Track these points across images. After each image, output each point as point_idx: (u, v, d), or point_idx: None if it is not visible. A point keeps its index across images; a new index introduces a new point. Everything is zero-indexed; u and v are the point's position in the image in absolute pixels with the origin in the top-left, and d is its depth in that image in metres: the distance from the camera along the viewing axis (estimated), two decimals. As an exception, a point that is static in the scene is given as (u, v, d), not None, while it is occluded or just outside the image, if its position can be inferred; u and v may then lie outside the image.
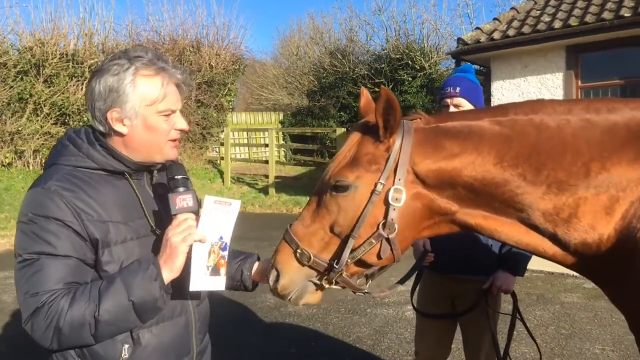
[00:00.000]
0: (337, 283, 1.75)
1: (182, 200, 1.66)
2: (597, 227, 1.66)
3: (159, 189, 1.82)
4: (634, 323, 1.70)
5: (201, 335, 1.90)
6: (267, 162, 14.83)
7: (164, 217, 1.76)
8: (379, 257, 1.70)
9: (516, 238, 1.75)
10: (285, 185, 15.03)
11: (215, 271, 1.69)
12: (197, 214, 1.68)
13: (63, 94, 13.89)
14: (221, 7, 26.55)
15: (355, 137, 1.78)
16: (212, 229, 1.68)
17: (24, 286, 1.54)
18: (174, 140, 1.77)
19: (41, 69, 13.61)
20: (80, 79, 14.29)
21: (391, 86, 18.50)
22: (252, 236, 9.99)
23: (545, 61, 9.63)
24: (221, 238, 1.71)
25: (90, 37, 15.55)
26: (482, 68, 11.60)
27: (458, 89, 2.74)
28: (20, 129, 13.24)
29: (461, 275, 2.94)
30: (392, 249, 1.69)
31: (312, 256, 1.71)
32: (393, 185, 1.67)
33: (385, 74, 19.04)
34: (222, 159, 16.47)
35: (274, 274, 1.77)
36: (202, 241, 1.65)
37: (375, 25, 22.16)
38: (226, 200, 1.71)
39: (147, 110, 1.68)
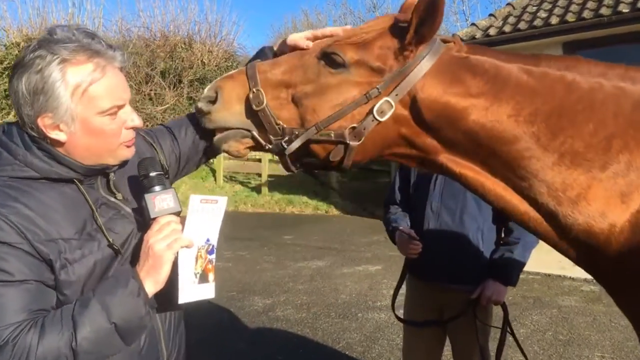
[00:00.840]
0: (270, 151, 1.55)
1: (161, 200, 1.45)
2: (608, 214, 1.44)
3: (118, 194, 1.55)
4: None
5: (173, 341, 1.67)
6: (260, 160, 14.61)
7: (125, 227, 1.52)
8: (327, 157, 1.53)
9: (506, 203, 1.54)
10: (278, 183, 14.81)
11: (203, 278, 1.52)
12: (178, 214, 1.47)
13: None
14: (213, 3, 26.28)
15: (383, 22, 1.53)
16: (198, 231, 1.49)
17: None
18: (129, 140, 1.51)
19: (28, 65, 13.37)
20: (68, 75, 14.05)
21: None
22: (243, 235, 9.78)
23: (542, 58, 9.44)
24: (208, 240, 1.53)
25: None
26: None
27: None
28: (6, 126, 12.99)
29: (448, 283, 2.75)
30: (343, 157, 1.51)
31: (265, 102, 1.50)
32: (387, 96, 1.47)
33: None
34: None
35: (210, 94, 1.55)
36: (189, 246, 1.46)
37: (370, 22, 21.96)
38: (212, 198, 1.52)
39: (86, 111, 1.39)
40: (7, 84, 12.77)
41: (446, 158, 1.55)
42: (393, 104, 1.47)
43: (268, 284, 7.03)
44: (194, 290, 1.50)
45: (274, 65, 1.57)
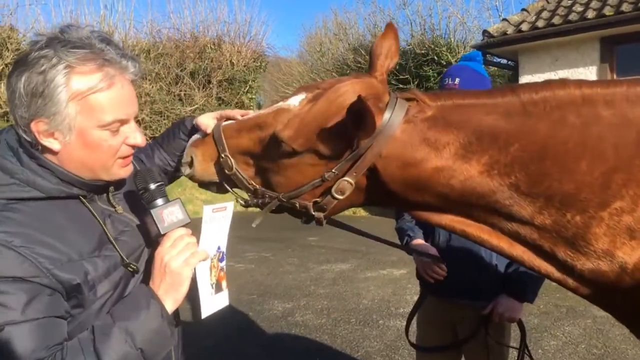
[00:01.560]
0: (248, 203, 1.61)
1: (169, 214, 1.36)
2: (616, 254, 1.30)
3: (118, 207, 1.47)
4: None
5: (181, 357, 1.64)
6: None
7: (132, 243, 1.44)
8: (300, 217, 1.55)
9: (494, 248, 1.43)
10: (305, 184, 14.73)
11: (218, 287, 1.49)
12: (188, 225, 1.39)
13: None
14: (242, 2, 26.31)
15: (333, 104, 1.37)
16: (211, 241, 1.45)
17: None
18: (125, 157, 1.39)
19: (61, 67, 13.66)
20: (100, 76, 14.29)
21: (416, 82, 17.98)
22: (268, 236, 9.73)
23: (577, 54, 9.04)
24: (219, 248, 1.49)
25: (111, 35, 15.51)
26: (509, 62, 11.02)
27: (457, 80, 2.30)
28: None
29: (460, 299, 2.54)
30: (315, 221, 1.52)
31: (234, 167, 1.52)
32: (344, 176, 1.38)
33: (409, 70, 18.51)
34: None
35: (187, 157, 1.60)
36: (205, 259, 1.40)
37: (400, 20, 21.49)
38: (221, 206, 1.47)
39: (85, 122, 1.27)
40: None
41: (420, 213, 1.47)
42: (352, 182, 1.38)
43: (289, 287, 6.91)
44: (213, 302, 1.47)
45: (239, 132, 1.54)
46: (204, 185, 1.63)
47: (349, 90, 1.39)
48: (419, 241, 2.56)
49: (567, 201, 1.29)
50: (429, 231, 2.62)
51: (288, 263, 8.14)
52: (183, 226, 1.38)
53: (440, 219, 1.44)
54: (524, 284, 2.42)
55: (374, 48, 1.55)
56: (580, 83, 1.33)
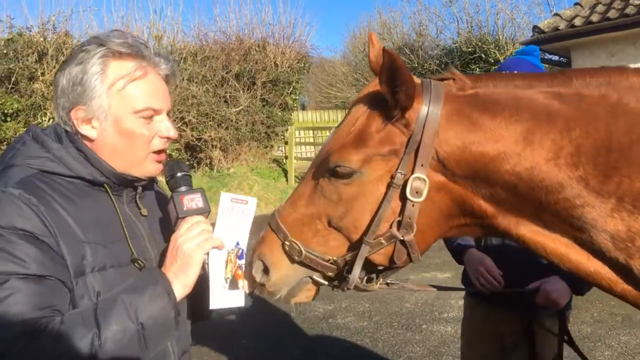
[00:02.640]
0: (336, 287, 1.46)
1: (190, 200, 1.39)
2: None
3: (143, 209, 1.49)
4: None
5: (179, 347, 1.50)
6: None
7: (149, 248, 1.45)
8: (392, 260, 1.36)
9: (572, 263, 1.29)
10: (348, 184, 14.65)
11: (233, 284, 1.43)
12: (207, 216, 1.42)
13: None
14: (287, 4, 26.52)
15: (362, 108, 1.35)
16: (229, 233, 1.42)
17: None
18: (158, 152, 1.42)
19: (113, 70, 14.12)
20: (149, 79, 14.69)
21: (462, 81, 17.65)
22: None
23: (635, 49, 8.59)
24: (237, 244, 1.44)
25: (160, 39, 15.87)
26: (560, 58, 10.60)
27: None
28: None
29: (511, 308, 2.40)
30: (408, 253, 1.34)
31: (303, 251, 1.38)
32: (412, 173, 1.26)
33: (456, 68, 18.19)
34: (287, 157, 16.37)
35: (259, 265, 1.46)
36: (220, 248, 1.38)
37: (446, 18, 21.23)
38: (242, 198, 1.45)
39: (120, 109, 1.34)
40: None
41: (502, 220, 1.32)
42: (424, 176, 1.26)
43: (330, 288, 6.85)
44: (224, 296, 1.42)
45: (293, 205, 1.44)
46: (286, 299, 1.48)
47: (367, 88, 1.38)
48: (484, 260, 2.39)
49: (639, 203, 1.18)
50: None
51: (330, 264, 8.10)
52: (202, 215, 1.40)
53: (519, 229, 1.31)
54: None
55: (372, 62, 1.50)
56: (638, 69, 1.23)
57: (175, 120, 14.31)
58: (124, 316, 1.20)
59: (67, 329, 1.16)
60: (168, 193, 1.52)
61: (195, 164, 14.97)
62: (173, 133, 1.43)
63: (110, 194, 1.40)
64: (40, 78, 12.40)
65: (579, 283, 2.29)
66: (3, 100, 11.54)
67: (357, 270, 1.35)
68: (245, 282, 1.45)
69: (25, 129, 1.47)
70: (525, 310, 2.38)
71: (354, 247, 1.35)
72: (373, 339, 5.16)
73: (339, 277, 1.41)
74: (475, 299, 2.60)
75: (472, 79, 1.32)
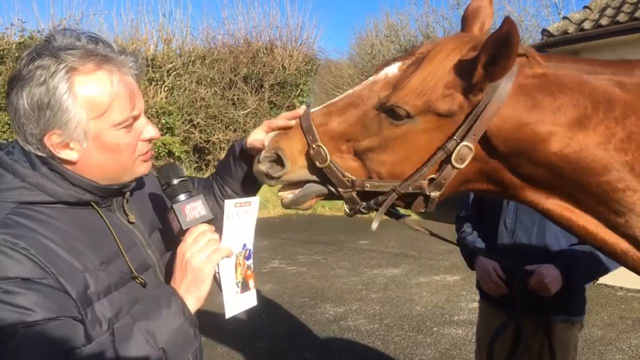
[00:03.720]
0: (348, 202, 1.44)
1: (191, 210, 1.33)
2: None
3: (131, 216, 1.40)
4: None
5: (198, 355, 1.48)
6: (337, 163, 14.53)
7: (149, 254, 1.40)
8: (409, 206, 1.42)
9: (600, 242, 1.32)
10: (356, 187, 14.66)
11: (244, 286, 1.43)
12: (211, 222, 1.36)
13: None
14: (294, 7, 26.53)
15: (446, 60, 1.30)
16: (235, 238, 1.39)
17: None
18: (145, 153, 1.36)
19: (122, 73, 14.19)
20: (158, 82, 14.75)
21: (469, 83, 17.62)
22: (320, 239, 9.76)
23: (646, 52, 8.55)
24: (244, 245, 1.43)
25: (169, 42, 15.98)
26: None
27: None
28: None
29: (523, 312, 2.43)
30: (426, 206, 1.39)
31: (328, 158, 1.37)
32: (462, 140, 1.28)
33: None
34: (294, 159, 16.44)
35: (270, 157, 1.42)
36: (229, 256, 1.35)
37: (453, 20, 21.13)
38: (245, 200, 1.41)
39: (98, 125, 1.23)
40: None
41: (529, 193, 1.35)
42: (472, 147, 1.28)
43: (341, 291, 6.90)
44: (238, 302, 1.40)
45: (330, 116, 1.41)
46: (294, 187, 1.45)
47: (461, 38, 1.35)
48: (490, 265, 2.44)
49: None
50: (490, 237, 2.55)
51: (339, 266, 8.13)
52: (206, 222, 1.35)
53: (547, 203, 1.34)
54: (577, 265, 2.30)
55: (468, 10, 1.46)
56: None
57: (183, 123, 14.39)
58: (144, 346, 1.17)
59: None
60: (150, 177, 1.48)
61: (203, 166, 15.04)
62: (155, 133, 1.36)
63: (99, 209, 1.32)
64: (51, 81, 12.58)
65: (572, 270, 2.32)
66: (15, 103, 11.67)
67: (382, 212, 1.41)
68: (254, 282, 1.44)
69: None
70: (540, 315, 2.40)
71: (372, 177, 1.39)
72: (384, 342, 5.20)
73: (354, 208, 1.44)
74: (488, 304, 2.64)
75: (544, 58, 1.32)
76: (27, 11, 30.64)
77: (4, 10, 17.79)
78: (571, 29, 9.01)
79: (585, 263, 2.31)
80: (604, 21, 8.61)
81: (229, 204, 1.35)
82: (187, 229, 1.32)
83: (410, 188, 1.35)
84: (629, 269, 1.38)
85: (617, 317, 5.69)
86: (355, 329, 5.55)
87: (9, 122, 11.37)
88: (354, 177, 1.39)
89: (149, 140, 1.36)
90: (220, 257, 1.31)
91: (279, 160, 1.41)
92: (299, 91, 17.25)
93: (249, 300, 1.44)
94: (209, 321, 5.55)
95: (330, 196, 1.45)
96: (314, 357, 4.90)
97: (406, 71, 1.35)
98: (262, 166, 1.43)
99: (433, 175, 1.33)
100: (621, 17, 8.39)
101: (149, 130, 1.34)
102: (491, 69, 1.23)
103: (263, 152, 1.43)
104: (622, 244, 1.30)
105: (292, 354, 4.95)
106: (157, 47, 15.83)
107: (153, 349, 1.18)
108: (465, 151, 1.28)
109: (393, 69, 1.39)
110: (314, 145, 1.37)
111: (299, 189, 1.45)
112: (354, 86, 1.47)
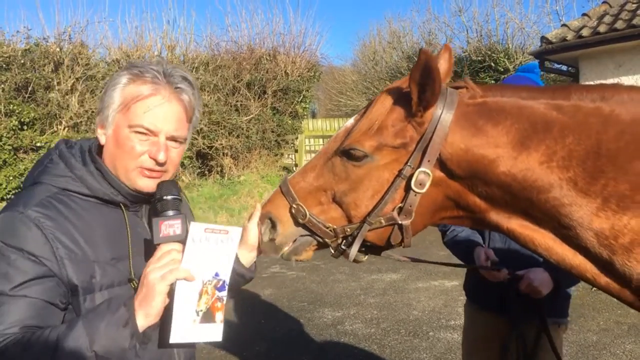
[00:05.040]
0: (333, 250, 1.58)
1: (167, 227, 1.37)
2: None
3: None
4: None
5: (185, 353, 1.57)
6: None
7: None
8: (387, 241, 1.51)
9: (558, 256, 1.40)
10: (358, 192, 14.72)
11: (207, 317, 1.37)
12: (184, 243, 1.37)
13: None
14: (297, 14, 26.68)
15: (387, 102, 1.48)
16: (204, 264, 1.37)
17: None
18: (148, 169, 1.46)
19: (126, 80, 14.34)
20: (162, 88, 14.89)
21: (471, 90, 17.64)
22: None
23: (643, 59, 8.63)
24: (216, 275, 1.39)
25: (173, 49, 16.13)
26: (569, 68, 10.65)
27: None
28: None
29: (516, 314, 2.49)
30: (403, 236, 1.48)
31: (307, 214, 1.52)
32: (419, 166, 1.40)
33: (465, 77, 18.21)
34: (297, 165, 16.51)
35: (267, 223, 1.59)
36: (188, 279, 1.34)
37: (455, 27, 21.23)
38: (220, 228, 1.39)
39: (119, 118, 1.45)
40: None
41: (493, 215, 1.45)
42: (429, 171, 1.40)
43: (339, 296, 6.96)
44: (193, 330, 1.35)
45: (304, 174, 1.58)
46: (288, 256, 1.59)
47: (396, 84, 1.51)
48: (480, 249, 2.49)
49: (623, 203, 1.28)
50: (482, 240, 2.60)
51: (339, 272, 8.19)
52: (179, 242, 1.37)
53: (509, 223, 1.43)
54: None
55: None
56: (631, 87, 1.37)
57: (187, 129, 14.52)
58: (79, 343, 1.25)
59: (32, 346, 1.24)
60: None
61: (206, 172, 15.13)
62: (161, 157, 1.44)
63: (124, 211, 1.47)
64: (56, 87, 12.65)
65: (562, 276, 2.38)
66: (20, 109, 11.78)
67: (356, 245, 1.51)
68: (222, 316, 1.42)
69: (55, 142, 1.59)
70: (527, 319, 2.45)
71: (352, 221, 1.50)
72: (380, 346, 5.25)
73: (337, 247, 1.56)
74: (477, 305, 2.68)
75: (482, 89, 1.45)
76: (33, 18, 30.90)
77: (10, 17, 17.99)
78: (570, 36, 9.10)
79: None
80: (602, 28, 8.69)
81: (196, 227, 1.35)
82: (159, 244, 1.37)
83: (382, 220, 1.46)
84: (588, 283, 1.45)
85: (613, 322, 5.73)
86: (352, 333, 5.61)
87: (14, 127, 11.57)
88: (334, 226, 1.52)
89: (155, 161, 1.46)
90: (174, 278, 1.32)
91: (274, 225, 1.58)
92: (301, 97, 17.35)
93: (211, 333, 1.38)
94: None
95: (321, 246, 1.59)
96: (310, 360, 4.96)
97: (358, 119, 1.52)
98: (265, 235, 1.59)
99: (400, 204, 1.44)
100: (619, 25, 8.48)
101: (158, 153, 1.45)
102: (423, 96, 1.37)
103: (261, 225, 1.59)
104: (578, 258, 1.38)
105: (289, 357, 5.02)
106: (161, 53, 15.96)
107: (86, 349, 1.25)
108: (423, 176, 1.40)
109: (351, 121, 1.55)
110: (294, 205, 1.53)
111: (292, 243, 1.58)
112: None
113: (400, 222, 1.45)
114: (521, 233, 1.43)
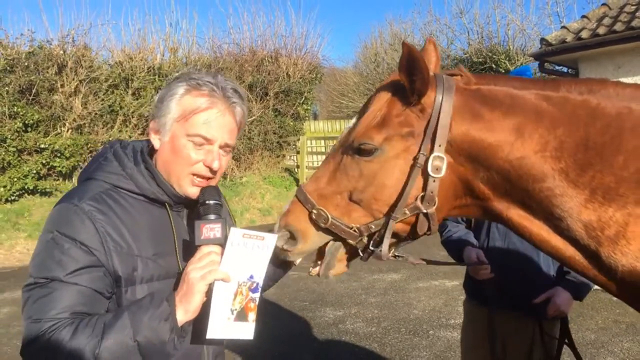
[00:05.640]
0: (364, 254, 1.56)
1: (209, 230, 1.45)
2: None
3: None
4: None
5: (213, 350, 1.65)
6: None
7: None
8: (414, 231, 1.51)
9: (550, 247, 1.47)
10: (359, 194, 14.79)
11: (241, 316, 1.46)
12: (223, 246, 1.46)
13: (149, 105, 14.62)
14: (299, 16, 26.75)
15: (385, 95, 1.53)
16: (240, 267, 1.45)
17: (29, 310, 1.39)
18: (200, 177, 1.55)
19: (130, 82, 14.40)
20: (164, 90, 14.98)
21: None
22: (321, 246, 9.90)
23: (642, 60, 8.67)
24: (251, 277, 1.47)
25: (175, 51, 16.23)
26: (569, 70, 10.70)
27: None
28: (110, 138, 14.10)
29: (514, 311, 2.57)
30: (429, 224, 1.49)
31: (329, 217, 1.50)
32: (432, 152, 1.43)
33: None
34: (298, 166, 16.59)
35: (284, 235, 1.56)
36: (225, 280, 1.43)
37: (457, 29, 21.27)
38: (258, 234, 1.47)
39: (177, 127, 1.53)
40: (112, 100, 13.95)
41: (496, 203, 1.50)
42: (443, 155, 1.44)
43: (341, 295, 7.03)
44: (227, 327, 1.45)
45: (317, 180, 1.58)
46: (325, 273, 1.56)
47: (388, 79, 1.56)
48: (473, 251, 2.58)
49: (608, 196, 1.35)
50: (481, 240, 2.69)
51: (340, 272, 8.26)
52: (219, 245, 1.46)
53: (509, 212, 1.48)
54: (580, 283, 2.46)
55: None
56: (617, 82, 1.43)
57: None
58: (124, 332, 1.35)
59: (80, 332, 1.34)
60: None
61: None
62: (216, 165, 1.54)
63: (169, 211, 1.57)
64: (60, 90, 12.74)
65: (580, 291, 2.49)
66: (24, 111, 11.89)
67: (387, 241, 1.49)
68: (254, 316, 1.49)
69: (108, 141, 1.69)
70: (531, 315, 2.54)
71: (374, 218, 1.50)
72: (381, 344, 5.32)
73: (365, 248, 1.54)
74: (476, 302, 2.76)
75: (476, 77, 1.51)
76: (37, 22, 31.23)
77: (14, 20, 18.07)
78: (569, 38, 9.15)
79: (584, 280, 2.43)
80: (601, 30, 8.74)
81: (235, 233, 1.44)
82: (199, 246, 1.46)
83: (406, 211, 1.47)
84: (578, 274, 1.52)
85: (612, 321, 5.79)
86: (353, 331, 5.68)
87: (18, 129, 11.68)
88: (358, 225, 1.51)
89: (210, 169, 1.55)
90: (213, 278, 1.41)
91: (292, 236, 1.56)
92: (303, 99, 17.45)
93: (243, 331, 1.47)
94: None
95: (350, 250, 1.56)
96: (312, 358, 5.03)
97: (359, 118, 1.56)
98: (279, 243, 1.55)
99: (422, 193, 1.46)
100: (618, 27, 8.53)
101: (213, 160, 1.54)
102: (414, 85, 1.43)
103: (277, 233, 1.56)
104: (570, 249, 1.44)
105: (291, 355, 5.09)
106: (163, 56, 16.07)
107: (130, 338, 1.35)
108: (438, 162, 1.43)
109: (353, 120, 1.59)
110: (314, 211, 1.52)
111: (322, 260, 1.56)
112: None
113: (425, 210, 1.46)
114: (519, 223, 1.48)
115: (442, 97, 1.44)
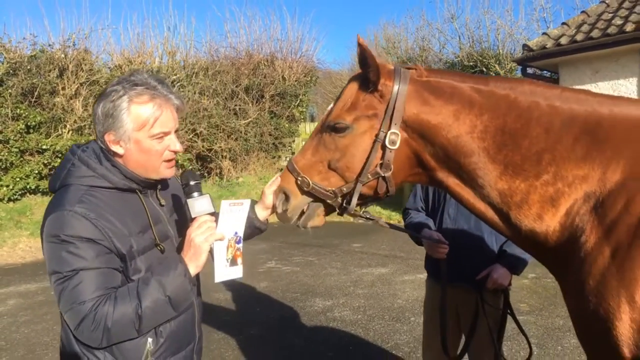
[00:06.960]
0: (337, 209, 1.95)
1: (200, 205, 1.84)
2: (544, 217, 1.71)
3: (162, 200, 1.99)
4: (575, 323, 1.73)
5: (199, 325, 2.09)
6: (334, 171, 15.05)
7: (169, 228, 1.97)
8: (376, 191, 1.90)
9: (477, 210, 1.87)
10: (352, 194, 15.13)
11: (233, 262, 1.90)
12: (212, 214, 1.85)
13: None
14: (294, 20, 27.17)
15: (354, 85, 1.92)
16: (229, 227, 1.88)
17: (69, 298, 1.66)
18: (169, 161, 1.91)
19: (128, 85, 14.75)
20: (162, 93, 15.31)
21: (463, 94, 18.07)
22: (315, 243, 10.25)
23: (617, 66, 9.13)
24: (236, 233, 1.91)
25: (173, 55, 16.59)
26: (551, 74, 11.16)
27: None
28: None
29: (464, 283, 3.00)
30: (387, 185, 1.87)
31: (310, 183, 1.90)
32: (389, 129, 1.81)
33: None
34: (293, 168, 16.95)
35: (281, 196, 1.99)
36: (221, 239, 1.84)
37: (448, 33, 21.75)
38: (238, 201, 1.92)
39: (139, 135, 1.79)
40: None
41: (439, 173, 1.88)
42: (397, 132, 1.83)
43: (330, 287, 7.43)
44: (226, 272, 1.89)
45: (303, 153, 1.98)
46: (304, 223, 1.97)
47: (358, 72, 1.95)
48: (431, 232, 3.00)
49: (516, 170, 1.72)
50: (436, 224, 3.13)
51: (331, 266, 8.66)
52: (209, 214, 1.83)
53: (448, 180, 1.85)
54: (515, 259, 2.91)
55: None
56: (533, 81, 1.85)
57: (187, 132, 14.89)
58: (156, 292, 1.70)
59: (120, 301, 1.67)
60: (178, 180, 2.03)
61: (206, 174, 15.54)
62: (179, 147, 1.88)
63: (140, 195, 1.88)
64: (61, 92, 13.03)
65: (516, 266, 2.92)
66: (27, 113, 12.21)
67: (354, 200, 1.89)
68: (241, 260, 1.93)
69: (71, 147, 1.93)
70: (474, 287, 2.97)
71: (347, 181, 1.88)
72: (365, 329, 5.73)
73: (338, 204, 1.93)
74: (434, 278, 3.18)
75: (427, 70, 1.90)
76: (39, 26, 31.44)
77: (16, 25, 18.40)
78: (549, 44, 9.60)
79: (520, 257, 2.91)
80: (579, 37, 9.20)
81: (225, 204, 1.85)
82: (195, 217, 1.83)
83: (369, 175, 1.84)
84: (500, 234, 1.94)
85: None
86: (340, 319, 6.08)
87: (21, 130, 12.00)
88: (333, 188, 1.90)
89: (174, 152, 1.89)
90: (214, 239, 1.81)
91: (286, 198, 1.98)
92: (298, 101, 17.81)
93: (236, 272, 1.92)
94: (209, 312, 6.09)
95: (327, 207, 1.97)
96: (302, 342, 5.43)
97: (335, 103, 1.96)
98: (280, 208, 1.99)
99: (381, 161, 1.83)
100: (594, 33, 8.99)
101: (176, 145, 1.88)
102: (370, 77, 1.83)
103: (276, 199, 2.01)
104: (490, 212, 1.84)
105: (282, 340, 5.49)
106: (162, 59, 16.42)
107: (162, 295, 1.72)
108: (394, 137, 1.80)
109: (331, 105, 2.00)
110: (299, 178, 1.92)
111: (304, 212, 1.98)
112: None
113: (383, 174, 1.83)
114: (454, 190, 1.87)
115: (399, 86, 1.82)
